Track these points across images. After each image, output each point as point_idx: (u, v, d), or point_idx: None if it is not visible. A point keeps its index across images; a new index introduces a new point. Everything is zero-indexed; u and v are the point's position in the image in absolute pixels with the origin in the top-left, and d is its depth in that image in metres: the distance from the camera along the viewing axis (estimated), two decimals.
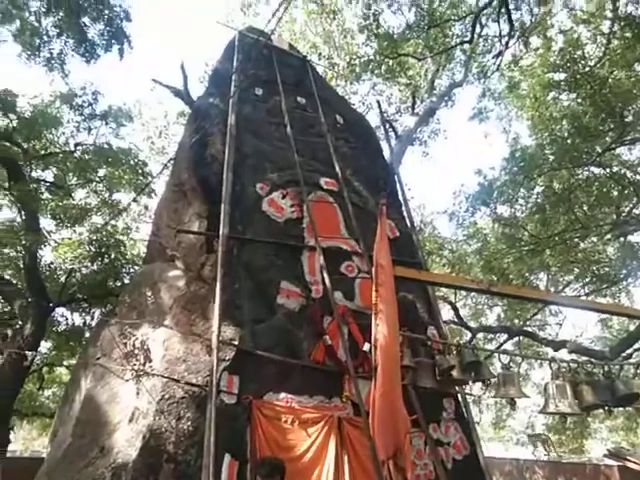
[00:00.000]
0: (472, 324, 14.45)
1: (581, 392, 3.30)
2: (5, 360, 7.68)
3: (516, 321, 14.35)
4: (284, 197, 6.33)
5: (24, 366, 7.46)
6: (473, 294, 15.92)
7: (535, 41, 13.50)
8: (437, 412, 5.70)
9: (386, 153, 8.94)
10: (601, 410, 3.62)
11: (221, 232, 5.61)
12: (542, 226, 11.40)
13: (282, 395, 5.09)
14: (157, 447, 4.44)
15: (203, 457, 4.35)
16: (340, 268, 6.09)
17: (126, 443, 4.58)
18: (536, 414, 20.39)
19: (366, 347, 5.53)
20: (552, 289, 13.47)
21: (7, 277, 9.71)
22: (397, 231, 6.80)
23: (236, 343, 5.15)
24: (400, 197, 7.77)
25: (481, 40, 13.60)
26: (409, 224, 7.32)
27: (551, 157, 11.14)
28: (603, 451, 11.31)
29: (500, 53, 12.97)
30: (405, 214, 7.56)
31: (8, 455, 8.78)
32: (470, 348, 3.44)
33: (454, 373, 3.42)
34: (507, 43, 12.40)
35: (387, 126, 11.73)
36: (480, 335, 14.14)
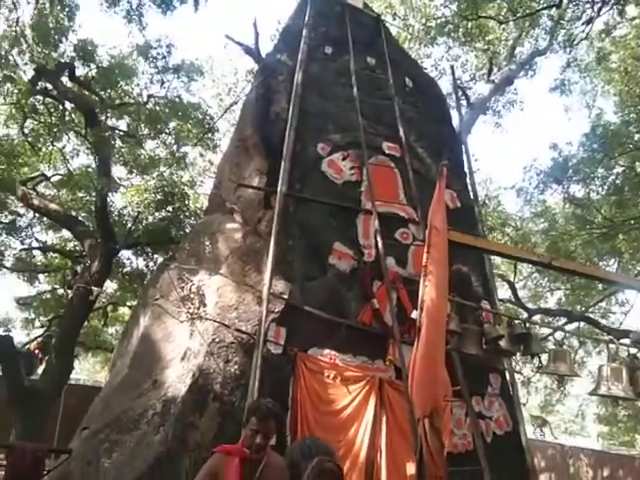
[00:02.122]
0: (530, 306, 13.97)
1: (638, 378, 3.13)
2: (74, 294, 8.32)
3: (578, 307, 13.73)
4: (344, 159, 6.28)
5: (90, 300, 8.04)
6: (534, 275, 15.35)
7: (631, 10, 12.26)
8: (482, 386, 5.64)
9: (455, 121, 8.61)
10: None
11: (279, 189, 5.68)
12: (618, 209, 10.66)
13: (326, 351, 5.21)
14: (205, 386, 4.70)
15: (247, 399, 4.57)
16: (395, 234, 6.03)
17: (177, 379, 4.87)
18: (587, 402, 19.72)
19: (414, 314, 5.47)
20: None
21: (80, 218, 10.38)
22: (458, 202, 6.59)
23: (286, 297, 5.29)
24: (465, 167, 7.50)
25: (571, 5, 12.54)
26: (472, 196, 7.07)
27: (637, 136, 10.29)
28: None
29: (591, 20, 11.92)
30: (469, 185, 7.31)
31: (72, 382, 9.53)
32: (522, 321, 3.34)
33: (502, 343, 3.34)
34: (599, 10, 11.37)
35: (459, 93, 11.25)
36: (537, 318, 13.65)
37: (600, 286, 13.52)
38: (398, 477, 4.77)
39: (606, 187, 11.31)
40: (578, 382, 18.37)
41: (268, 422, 2.85)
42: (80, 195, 10.86)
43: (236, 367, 4.90)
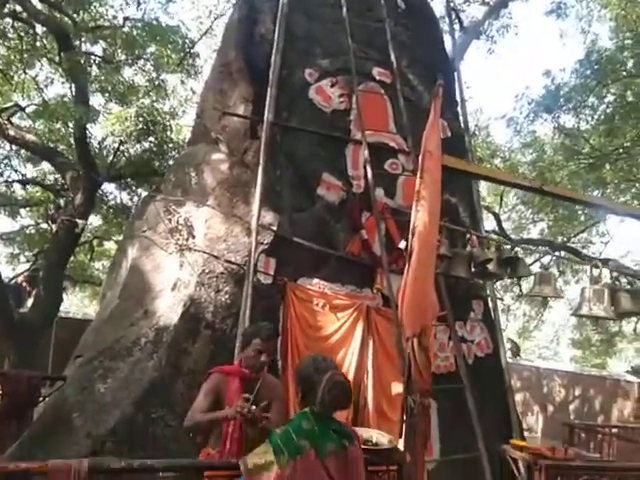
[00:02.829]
0: (513, 237, 14.23)
1: (619, 299, 3.26)
2: (58, 227, 8.23)
3: (560, 238, 14.03)
4: (333, 85, 6.05)
5: (75, 233, 7.97)
6: (518, 207, 15.54)
7: None
8: (465, 312, 5.83)
9: (448, 46, 8.27)
10: (630, 330, 3.60)
11: (266, 117, 5.50)
12: (607, 137, 10.59)
13: (315, 281, 5.29)
14: (196, 314, 4.78)
15: (238, 327, 4.68)
16: (384, 165, 5.95)
17: (168, 309, 4.94)
18: (562, 328, 20.71)
19: (401, 244, 5.55)
20: None
21: (59, 151, 10.04)
22: (449, 131, 6.47)
23: (274, 228, 5.28)
24: (457, 95, 7.31)
25: None
26: (463, 125, 6.95)
27: (630, 62, 10.04)
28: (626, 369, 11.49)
29: None
30: (460, 114, 7.16)
31: (62, 315, 9.62)
32: (508, 242, 3.38)
33: (490, 267, 3.41)
34: None
35: (452, 16, 10.74)
36: (520, 250, 13.95)
37: (582, 217, 13.77)
38: (384, 396, 5.03)
39: (596, 116, 11.19)
40: (555, 309, 19.19)
41: (270, 342, 3.04)
42: (58, 126, 10.44)
43: (227, 297, 4.97)
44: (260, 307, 4.85)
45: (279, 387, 3.28)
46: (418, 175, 2.49)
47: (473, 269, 3.46)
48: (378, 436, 2.70)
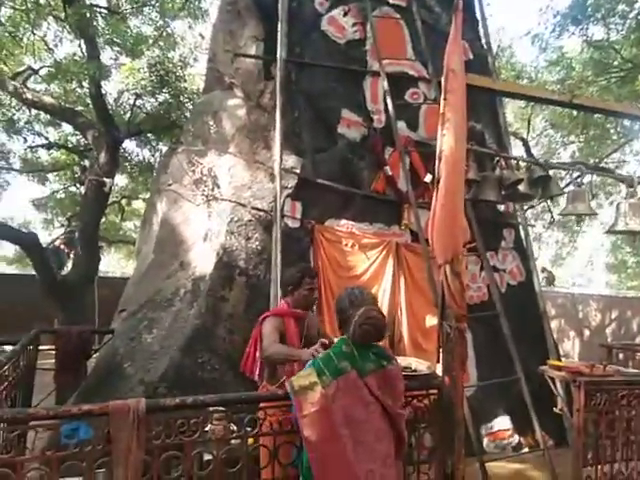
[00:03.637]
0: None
1: None
2: (87, 188, 8.37)
3: (591, 161, 13.50)
4: (346, 14, 5.77)
5: (104, 192, 8.11)
6: (547, 131, 14.91)
7: None
8: (496, 241, 5.78)
9: None
10: None
11: (279, 55, 5.31)
12: (638, 47, 9.89)
13: (343, 222, 5.29)
14: (230, 262, 4.88)
15: (271, 272, 4.77)
16: (405, 95, 5.75)
17: (202, 259, 5.05)
18: (597, 253, 20.37)
19: (427, 178, 5.47)
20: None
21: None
22: (470, 53, 6.15)
23: (298, 172, 5.24)
24: (477, 14, 6.88)
25: None
26: (485, 45, 6.58)
27: None
28: None
29: None
30: (481, 34, 6.76)
31: (101, 275, 9.98)
32: (537, 162, 3.28)
33: (520, 188, 3.32)
34: None
35: None
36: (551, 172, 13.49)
37: (614, 137, 13.15)
38: (419, 329, 5.12)
39: (627, 25, 10.40)
40: (588, 234, 18.80)
41: (315, 280, 3.28)
42: (73, 87, 10.40)
43: (257, 243, 5.04)
44: (290, 251, 4.90)
45: (317, 321, 3.55)
46: (442, 97, 2.38)
47: (503, 192, 3.37)
48: (416, 363, 2.77)
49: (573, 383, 3.02)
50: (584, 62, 11.32)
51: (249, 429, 2.35)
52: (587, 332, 11.77)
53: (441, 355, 2.48)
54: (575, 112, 11.29)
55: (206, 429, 2.35)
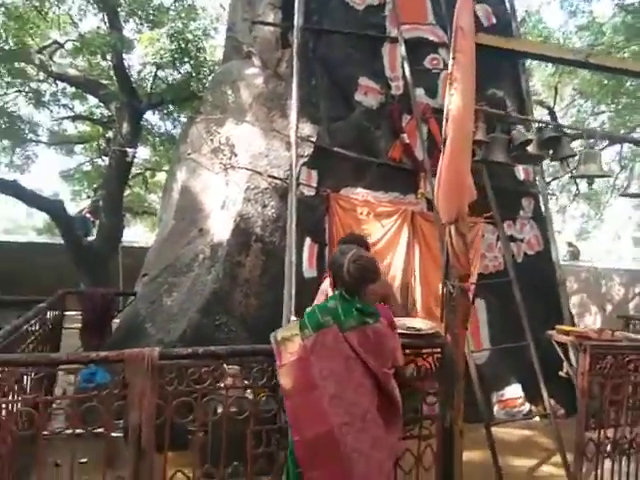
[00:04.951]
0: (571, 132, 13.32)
1: None
2: (111, 158, 8.57)
3: (622, 131, 13.03)
4: None
5: (127, 162, 8.30)
6: (576, 101, 14.42)
7: None
8: (515, 210, 5.73)
9: None
10: None
11: (296, 22, 5.28)
12: None
13: (358, 190, 5.32)
14: (246, 229, 4.99)
15: (287, 239, 4.86)
16: (424, 62, 5.68)
17: (220, 226, 5.17)
18: (624, 226, 19.83)
19: None
20: None
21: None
22: (494, 17, 5.99)
23: (314, 140, 5.26)
24: None
25: None
26: (509, 9, 6.38)
27: None
28: None
29: None
30: None
31: (125, 244, 10.24)
32: (550, 123, 3.22)
33: (529, 148, 3.27)
34: None
35: None
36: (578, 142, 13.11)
37: None
38: (432, 296, 5.16)
39: None
40: (615, 207, 18.28)
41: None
42: (97, 60, 10.55)
43: (273, 211, 5.12)
44: (306, 219, 4.97)
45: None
46: (450, 56, 2.37)
47: (512, 153, 3.33)
48: (421, 324, 2.83)
49: (579, 347, 3.04)
50: (615, 27, 10.85)
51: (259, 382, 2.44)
52: (609, 307, 11.59)
53: (444, 313, 2.54)
54: (605, 80, 10.90)
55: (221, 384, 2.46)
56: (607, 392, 2.98)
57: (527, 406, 5.18)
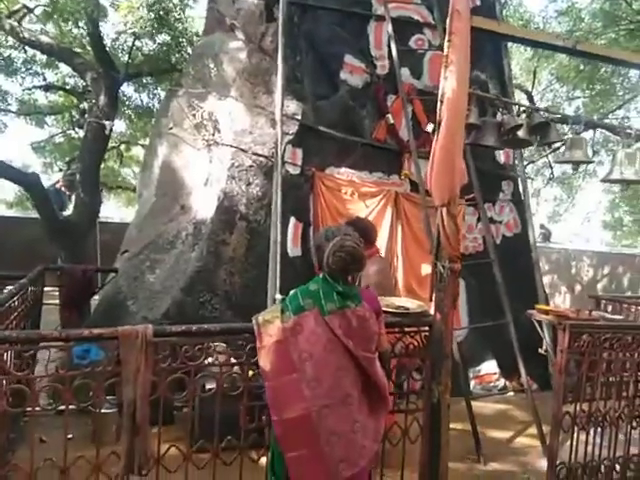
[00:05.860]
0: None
1: None
2: (86, 130, 8.31)
3: (595, 117, 13.33)
4: None
5: (104, 135, 8.05)
6: (553, 86, 14.65)
7: None
8: (495, 193, 5.86)
9: None
10: None
11: None
12: None
13: (343, 169, 5.33)
14: (230, 207, 4.95)
15: (271, 217, 4.84)
16: (409, 42, 5.67)
17: (203, 203, 5.11)
18: (594, 212, 20.46)
19: (429, 127, 5.46)
20: None
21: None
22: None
23: (299, 118, 5.22)
24: None
25: None
26: None
27: None
28: None
29: None
30: None
31: (102, 220, 10.03)
32: (538, 109, 3.29)
33: (520, 133, 3.35)
34: None
35: None
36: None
37: (620, 92, 12.94)
38: (414, 276, 5.27)
39: None
40: (587, 191, 18.80)
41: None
42: (69, 28, 10.09)
43: (257, 189, 5.09)
44: (290, 197, 4.96)
45: None
46: (446, 38, 2.38)
47: (503, 137, 3.41)
48: (408, 303, 2.90)
49: (559, 326, 3.16)
50: (593, 13, 10.99)
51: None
52: (579, 287, 12.01)
53: (434, 293, 2.60)
54: (582, 66, 11.07)
55: (209, 360, 2.49)
56: (584, 368, 3.11)
57: (502, 381, 5.38)
